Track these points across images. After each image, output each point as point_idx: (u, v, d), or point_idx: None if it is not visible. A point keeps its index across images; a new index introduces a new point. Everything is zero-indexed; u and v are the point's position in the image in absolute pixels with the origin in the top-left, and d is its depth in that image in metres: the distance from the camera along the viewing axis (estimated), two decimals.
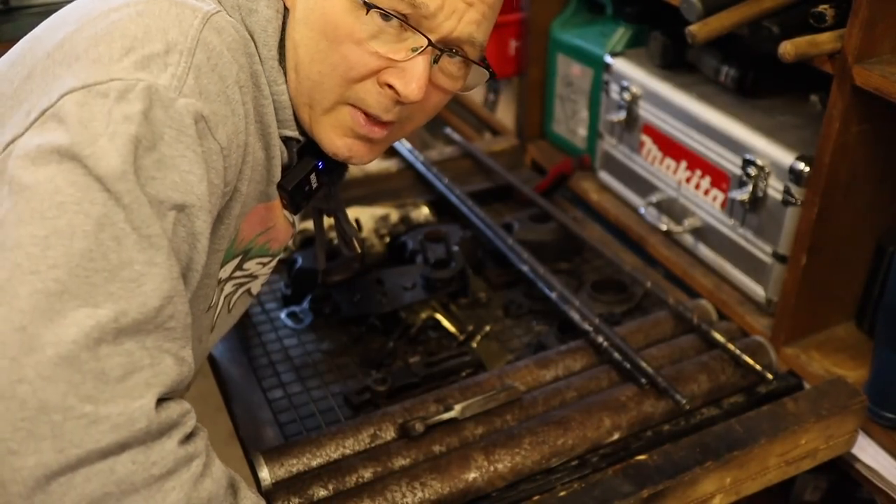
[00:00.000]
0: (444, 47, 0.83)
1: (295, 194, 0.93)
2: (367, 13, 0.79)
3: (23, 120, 0.71)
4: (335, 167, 0.99)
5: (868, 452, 1.17)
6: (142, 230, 0.67)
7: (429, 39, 0.81)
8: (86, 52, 0.72)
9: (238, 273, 0.96)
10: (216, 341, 1.04)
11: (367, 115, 0.86)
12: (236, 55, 0.78)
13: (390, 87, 0.82)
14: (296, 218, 1.01)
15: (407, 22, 0.80)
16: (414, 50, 0.81)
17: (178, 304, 0.69)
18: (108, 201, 0.65)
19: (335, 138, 0.88)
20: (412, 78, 0.81)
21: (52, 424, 0.61)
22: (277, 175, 0.90)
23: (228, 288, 0.97)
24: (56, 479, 0.61)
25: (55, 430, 0.61)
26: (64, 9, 0.82)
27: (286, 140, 0.90)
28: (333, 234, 1.14)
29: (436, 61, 0.84)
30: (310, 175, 0.94)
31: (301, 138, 0.91)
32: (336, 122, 0.87)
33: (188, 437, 0.69)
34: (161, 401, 0.67)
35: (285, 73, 0.86)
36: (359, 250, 1.11)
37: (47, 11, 0.87)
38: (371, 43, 0.81)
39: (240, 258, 0.94)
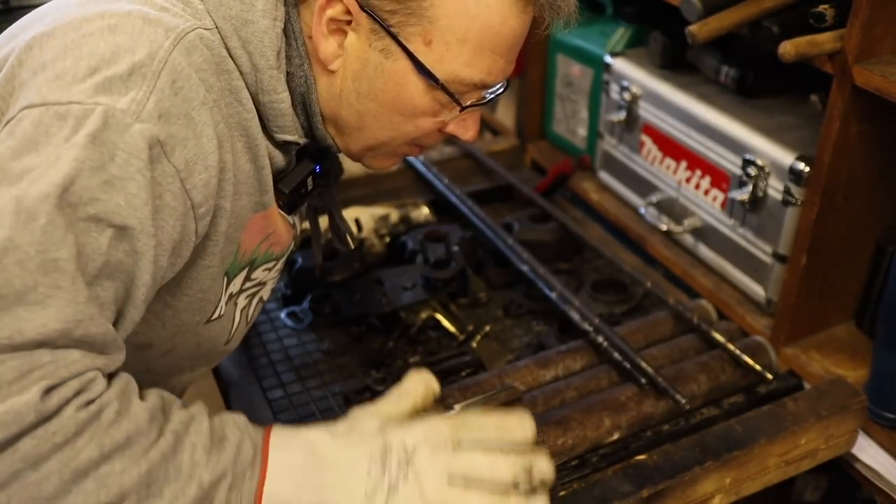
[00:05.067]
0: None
1: (292, 196, 0.94)
2: (460, 110, 0.91)
3: None
4: (332, 170, 1.01)
5: (868, 452, 1.17)
6: (48, 254, 0.66)
7: (486, 97, 0.94)
8: (52, 62, 0.72)
9: (248, 284, 0.97)
10: (230, 351, 1.05)
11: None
12: (205, 76, 0.77)
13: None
14: (296, 218, 1.01)
15: (480, 103, 0.93)
16: (473, 105, 0.92)
17: (89, 328, 0.68)
18: (16, 225, 0.65)
19: (384, 161, 0.98)
20: (471, 126, 0.95)
21: None
22: (269, 184, 0.90)
23: (242, 301, 0.98)
24: None
25: None
26: (41, 7, 0.82)
27: (285, 143, 0.90)
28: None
29: None
30: (307, 178, 0.95)
31: (300, 141, 0.91)
32: (388, 154, 0.97)
33: (91, 401, 0.69)
34: (51, 389, 0.66)
35: (303, 81, 0.88)
36: (352, 246, 1.12)
37: None
38: (443, 113, 0.91)
39: (247, 269, 0.94)
